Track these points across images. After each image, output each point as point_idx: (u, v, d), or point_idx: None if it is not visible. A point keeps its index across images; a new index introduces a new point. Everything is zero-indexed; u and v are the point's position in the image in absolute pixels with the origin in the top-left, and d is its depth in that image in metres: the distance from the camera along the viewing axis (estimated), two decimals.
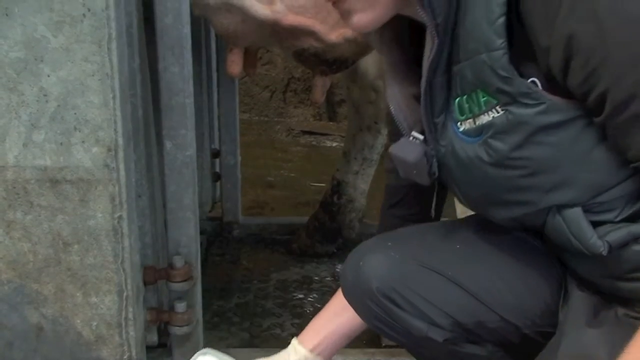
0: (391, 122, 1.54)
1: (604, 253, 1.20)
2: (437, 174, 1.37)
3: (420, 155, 1.36)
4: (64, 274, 1.63)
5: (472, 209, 1.43)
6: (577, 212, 1.21)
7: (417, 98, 1.34)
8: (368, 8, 1.26)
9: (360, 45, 2.23)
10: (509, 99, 1.16)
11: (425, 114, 1.31)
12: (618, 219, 1.21)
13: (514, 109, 1.16)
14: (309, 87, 5.48)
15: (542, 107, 1.14)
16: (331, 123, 5.48)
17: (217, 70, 3.02)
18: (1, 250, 1.61)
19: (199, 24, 2.71)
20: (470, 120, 1.24)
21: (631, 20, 1.05)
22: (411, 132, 1.39)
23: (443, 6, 1.19)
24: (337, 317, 1.56)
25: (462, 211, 2.02)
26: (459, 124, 1.27)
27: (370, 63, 2.70)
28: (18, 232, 1.59)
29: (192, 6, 2.02)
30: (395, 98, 1.41)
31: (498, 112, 1.18)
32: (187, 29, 1.70)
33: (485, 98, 1.19)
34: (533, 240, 1.42)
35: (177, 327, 1.85)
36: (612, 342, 1.20)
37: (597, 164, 1.18)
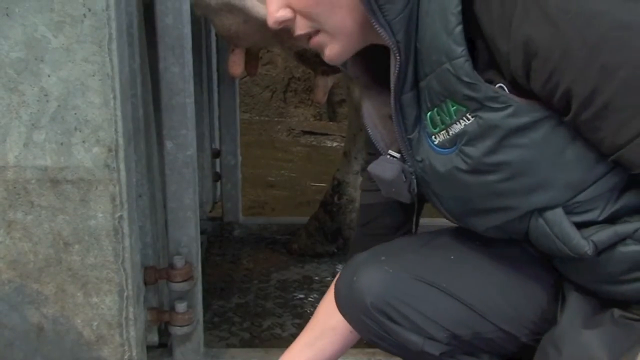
0: (369, 142, 1.56)
1: (589, 253, 1.20)
2: (416, 190, 1.38)
3: (397, 172, 1.37)
4: (64, 274, 1.63)
5: (455, 222, 1.43)
6: (558, 213, 1.22)
7: (391, 118, 1.34)
8: (334, 41, 1.28)
9: None
10: (477, 105, 1.17)
11: (398, 131, 1.32)
12: (601, 218, 1.21)
13: (483, 114, 1.17)
14: (309, 87, 5.48)
15: (510, 109, 1.15)
16: (331, 123, 5.48)
17: (218, 70, 3.02)
18: (2, 250, 1.61)
19: (200, 24, 2.71)
20: (444, 131, 1.25)
21: (583, 15, 1.06)
22: (388, 150, 1.40)
23: (401, 23, 1.20)
24: (308, 348, 1.56)
25: None
26: (433, 137, 1.28)
27: None
28: (19, 232, 1.59)
29: (194, 7, 2.03)
30: (372, 119, 1.44)
31: (469, 119, 1.19)
32: (187, 29, 1.70)
33: (454, 107, 1.20)
34: (528, 247, 1.41)
35: (178, 327, 1.85)
36: (609, 343, 1.20)
37: (572, 162, 1.18)
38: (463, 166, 1.24)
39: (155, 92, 1.77)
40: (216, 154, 3.10)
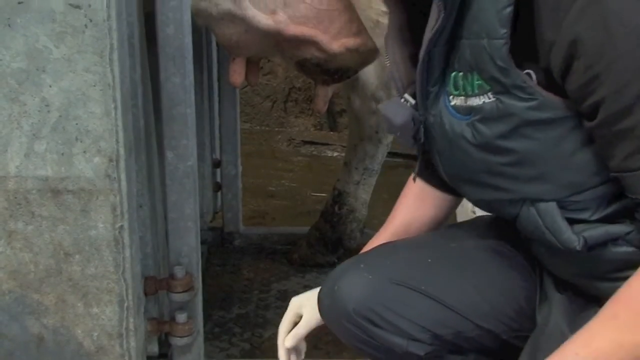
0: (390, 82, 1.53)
1: (578, 248, 1.20)
2: (422, 139, 1.36)
3: (407, 119, 1.35)
4: (65, 284, 1.62)
5: (449, 182, 1.43)
6: (551, 206, 1.22)
7: (414, 59, 1.33)
8: None
9: (362, 55, 2.24)
10: (502, 89, 1.16)
11: (420, 81, 1.30)
12: (592, 218, 1.22)
13: (505, 99, 1.16)
14: (310, 97, 5.47)
15: (534, 102, 1.14)
16: (332, 133, 5.48)
17: (218, 80, 3.02)
18: (2, 261, 1.60)
19: (200, 34, 2.71)
20: (462, 97, 1.24)
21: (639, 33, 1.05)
22: (404, 92, 1.37)
23: None
24: None
25: (461, 210, 2.02)
26: (450, 97, 1.27)
27: (372, 73, 2.70)
28: (19, 243, 1.59)
29: (195, 16, 2.03)
30: (394, 57, 1.39)
31: (489, 99, 1.18)
32: (188, 39, 1.70)
33: (479, 82, 1.19)
34: (505, 248, 1.44)
35: (178, 338, 1.85)
36: None
37: (579, 165, 1.18)
38: (471, 139, 1.23)
39: (156, 102, 1.77)
40: (217, 163, 3.10)
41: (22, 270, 1.61)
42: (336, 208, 2.96)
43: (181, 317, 1.83)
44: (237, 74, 2.35)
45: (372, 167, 2.92)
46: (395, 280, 1.42)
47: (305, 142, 5.18)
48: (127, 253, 1.62)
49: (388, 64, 1.40)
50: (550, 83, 1.14)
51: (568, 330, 1.26)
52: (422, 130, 1.35)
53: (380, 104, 1.44)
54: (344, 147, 4.06)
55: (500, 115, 1.17)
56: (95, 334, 1.67)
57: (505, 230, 1.49)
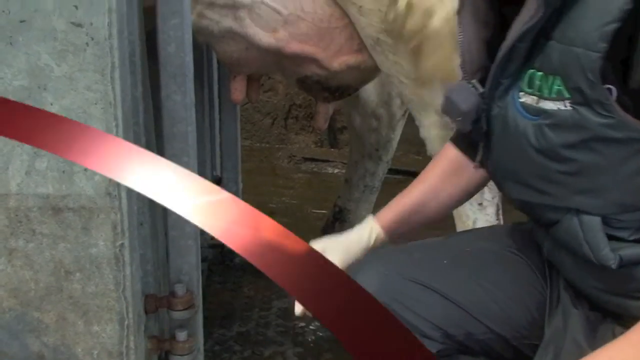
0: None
1: (614, 266, 1.20)
2: (485, 128, 1.33)
3: (473, 107, 1.32)
4: (65, 302, 1.62)
5: (492, 174, 1.42)
6: (596, 220, 1.21)
7: (488, 43, 1.31)
8: None
9: (363, 73, 2.25)
10: (582, 100, 1.13)
11: (494, 71, 1.27)
12: (630, 238, 1.21)
13: (583, 111, 1.14)
14: (310, 114, 5.48)
15: (611, 120, 1.12)
16: (333, 150, 5.48)
17: (219, 97, 3.03)
18: (3, 278, 1.60)
19: (201, 51, 2.72)
20: (535, 97, 1.21)
21: None
22: (472, 78, 1.34)
23: None
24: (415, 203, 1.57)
25: (461, 226, 2.02)
26: (521, 93, 1.24)
27: (372, 91, 2.71)
28: (20, 260, 1.59)
29: (196, 34, 2.04)
30: (468, 37, 1.34)
31: (565, 107, 1.16)
32: (189, 57, 1.71)
33: (559, 87, 1.16)
34: (519, 257, 1.45)
35: (178, 356, 1.84)
36: None
37: (636, 187, 1.17)
38: (534, 141, 1.21)
39: (157, 120, 1.77)
40: (217, 181, 3.10)
41: (22, 288, 1.61)
42: (337, 225, 2.96)
43: (181, 335, 1.82)
44: (238, 91, 2.37)
45: (373, 184, 2.93)
46: (410, 277, 1.43)
47: (306, 159, 5.18)
48: (128, 271, 1.61)
49: (460, 41, 1.35)
50: (637, 103, 1.12)
51: (586, 345, 1.26)
52: (484, 119, 1.32)
53: (445, 86, 1.41)
54: (345, 164, 4.06)
55: (573, 125, 1.16)
56: (96, 352, 1.66)
57: (521, 240, 1.49)
